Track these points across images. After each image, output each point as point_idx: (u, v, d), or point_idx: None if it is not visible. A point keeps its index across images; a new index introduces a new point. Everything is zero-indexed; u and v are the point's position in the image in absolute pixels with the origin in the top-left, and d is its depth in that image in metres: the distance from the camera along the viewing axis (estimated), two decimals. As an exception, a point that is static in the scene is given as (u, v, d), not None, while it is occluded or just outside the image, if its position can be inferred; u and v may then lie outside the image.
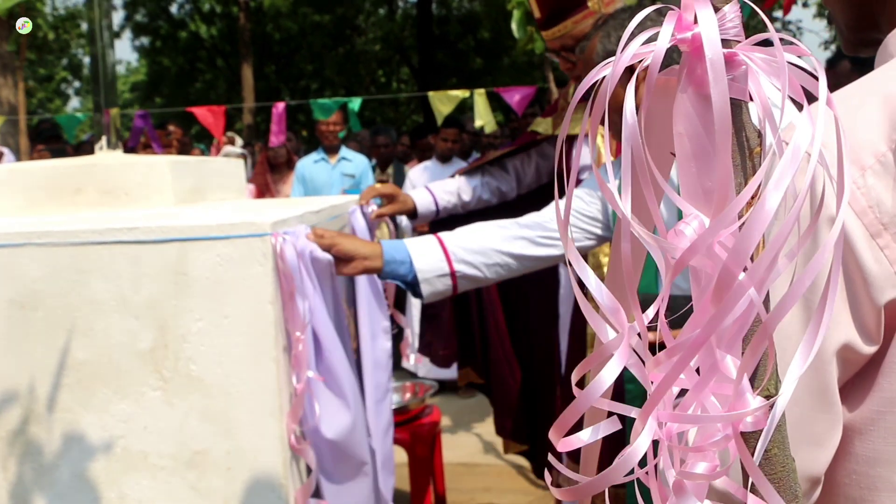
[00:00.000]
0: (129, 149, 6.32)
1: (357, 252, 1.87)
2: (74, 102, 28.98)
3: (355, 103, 6.06)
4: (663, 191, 0.44)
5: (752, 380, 0.46)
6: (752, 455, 0.45)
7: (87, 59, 25.82)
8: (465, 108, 5.81)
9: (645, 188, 0.42)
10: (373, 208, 2.56)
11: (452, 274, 1.92)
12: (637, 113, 0.49)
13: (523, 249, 1.97)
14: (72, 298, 1.78)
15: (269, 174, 5.83)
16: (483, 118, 5.27)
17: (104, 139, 2.21)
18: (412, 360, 4.95)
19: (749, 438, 0.46)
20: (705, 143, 0.43)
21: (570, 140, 2.33)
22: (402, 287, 1.96)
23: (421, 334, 3.52)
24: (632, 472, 0.44)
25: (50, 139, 6.38)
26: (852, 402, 0.90)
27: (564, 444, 0.44)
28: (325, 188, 5.43)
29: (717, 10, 0.44)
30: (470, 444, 4.71)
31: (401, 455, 3.27)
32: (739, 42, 0.44)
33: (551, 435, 0.44)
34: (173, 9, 22.99)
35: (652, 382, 0.43)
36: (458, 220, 2.79)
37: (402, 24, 21.74)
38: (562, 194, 0.46)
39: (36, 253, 1.79)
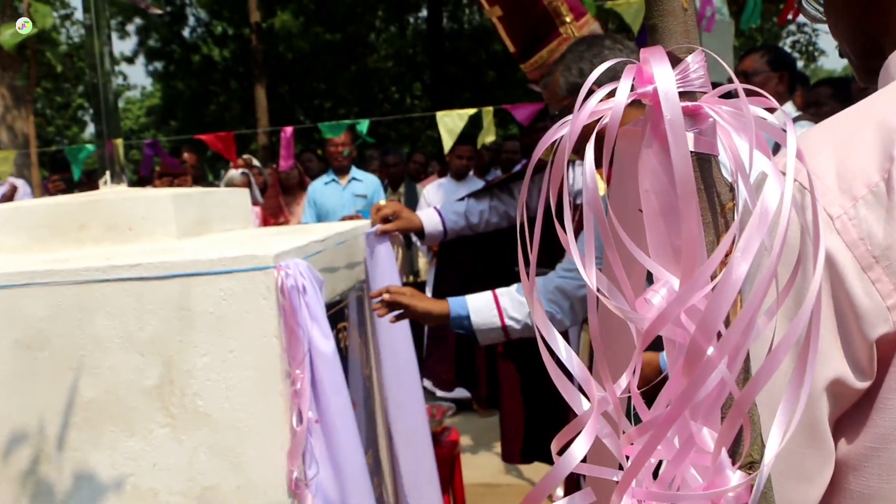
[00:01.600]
0: (143, 178, 6.34)
1: (429, 314, 2.16)
2: (92, 128, 29.42)
3: (363, 125, 6.06)
4: (634, 255, 0.42)
5: (735, 444, 0.44)
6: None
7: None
8: (479, 123, 5.75)
9: (609, 252, 0.40)
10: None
11: (504, 328, 2.14)
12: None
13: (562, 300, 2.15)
14: (77, 337, 1.77)
15: (281, 196, 5.83)
16: (486, 135, 5.25)
17: (108, 174, 2.21)
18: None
19: (734, 507, 0.44)
20: (673, 199, 0.41)
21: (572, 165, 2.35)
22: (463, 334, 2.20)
23: (427, 355, 3.51)
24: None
25: (64, 168, 6.44)
26: (846, 437, 0.87)
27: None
28: (337, 210, 5.41)
29: (678, 61, 0.42)
30: (491, 463, 4.66)
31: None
32: (706, 93, 0.42)
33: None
34: (185, 33, 23.18)
35: (627, 457, 0.41)
36: (468, 241, 2.78)
37: (412, 40, 21.79)
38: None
39: (40, 293, 1.78)
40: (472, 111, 5.42)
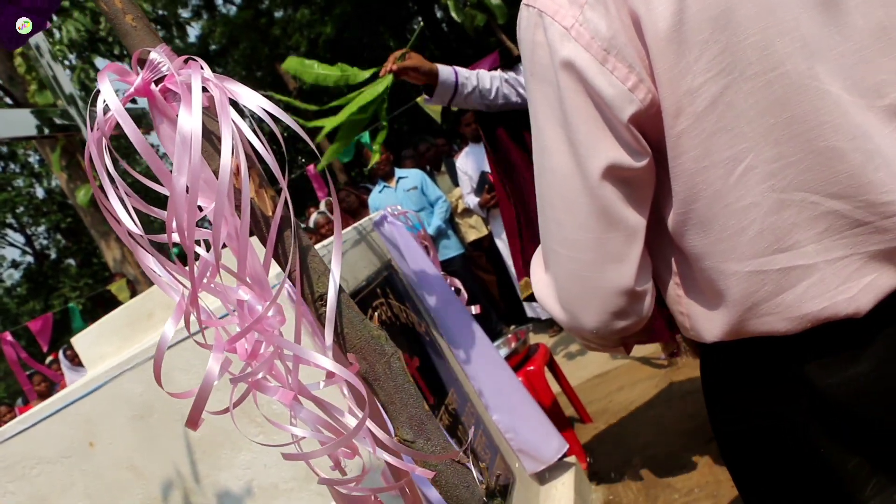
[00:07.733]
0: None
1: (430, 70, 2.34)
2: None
3: (365, 136, 6.18)
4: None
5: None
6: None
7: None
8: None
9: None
10: (410, 214, 2.67)
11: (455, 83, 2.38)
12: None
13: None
14: (168, 396, 1.95)
15: (350, 220, 6.01)
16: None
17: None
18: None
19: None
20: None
21: None
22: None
23: None
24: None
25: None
26: (665, 210, 0.90)
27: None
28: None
29: (144, 60, 0.51)
30: (599, 357, 4.69)
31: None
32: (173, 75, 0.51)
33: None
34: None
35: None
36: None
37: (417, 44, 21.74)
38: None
39: (133, 375, 1.98)
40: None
